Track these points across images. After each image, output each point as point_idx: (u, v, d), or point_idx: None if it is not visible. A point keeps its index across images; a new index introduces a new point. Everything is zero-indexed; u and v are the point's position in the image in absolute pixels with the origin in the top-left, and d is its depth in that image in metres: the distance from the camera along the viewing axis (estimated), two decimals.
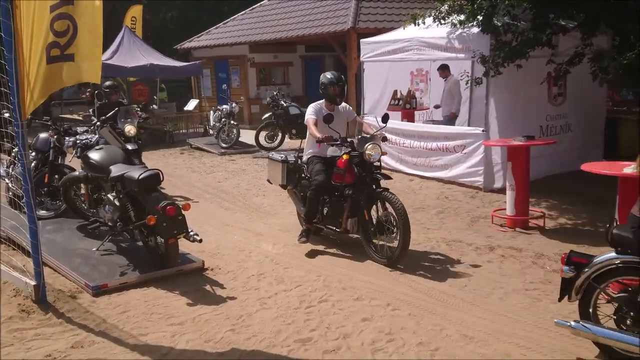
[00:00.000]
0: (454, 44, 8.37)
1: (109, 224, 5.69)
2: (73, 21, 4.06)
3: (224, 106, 13.41)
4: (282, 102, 12.10)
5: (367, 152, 5.40)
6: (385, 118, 5.77)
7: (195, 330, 4.16)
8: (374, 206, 5.51)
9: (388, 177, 5.61)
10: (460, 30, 8.23)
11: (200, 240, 5.22)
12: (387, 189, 5.45)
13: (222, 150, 12.83)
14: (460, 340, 3.86)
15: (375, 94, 10.81)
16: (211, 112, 14.65)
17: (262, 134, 12.25)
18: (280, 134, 12.21)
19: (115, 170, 5.49)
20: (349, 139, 5.65)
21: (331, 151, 5.88)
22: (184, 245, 5.55)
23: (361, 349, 3.81)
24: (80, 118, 15.10)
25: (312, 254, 5.82)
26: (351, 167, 5.51)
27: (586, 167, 4.83)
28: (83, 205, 6.43)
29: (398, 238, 5.23)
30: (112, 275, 5.11)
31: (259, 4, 19.27)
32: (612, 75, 7.52)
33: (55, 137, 6.57)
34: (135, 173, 5.19)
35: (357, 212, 5.57)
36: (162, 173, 5.29)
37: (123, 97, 15.45)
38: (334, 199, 5.77)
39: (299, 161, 6.22)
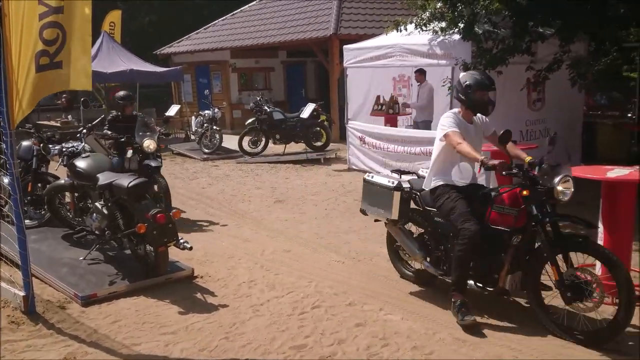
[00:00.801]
0: (436, 51, 8.51)
1: (96, 232, 5.63)
2: (62, 30, 4.04)
3: (206, 111, 13.38)
4: (266, 107, 12.12)
5: (559, 188, 3.97)
6: (505, 137, 4.34)
7: (189, 339, 4.16)
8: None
9: (591, 225, 4.08)
10: (441, 37, 8.36)
11: (191, 248, 5.21)
12: (585, 237, 4.10)
13: (205, 156, 12.79)
14: (454, 344, 3.93)
15: (358, 99, 10.91)
16: (193, 117, 14.60)
17: (246, 139, 12.25)
18: (263, 139, 12.23)
19: (103, 178, 5.45)
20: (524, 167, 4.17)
21: (459, 176, 4.45)
22: (172, 253, 5.51)
23: (357, 354, 3.84)
24: (58, 125, 14.91)
25: (302, 260, 5.85)
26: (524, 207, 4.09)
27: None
28: (68, 214, 6.36)
29: (618, 309, 3.73)
30: (101, 285, 5.06)
31: (239, 9, 19.26)
32: (589, 80, 7.74)
33: (41, 145, 6.49)
34: (125, 181, 5.16)
35: (519, 266, 4.19)
36: (151, 180, 5.27)
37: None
38: (486, 247, 4.21)
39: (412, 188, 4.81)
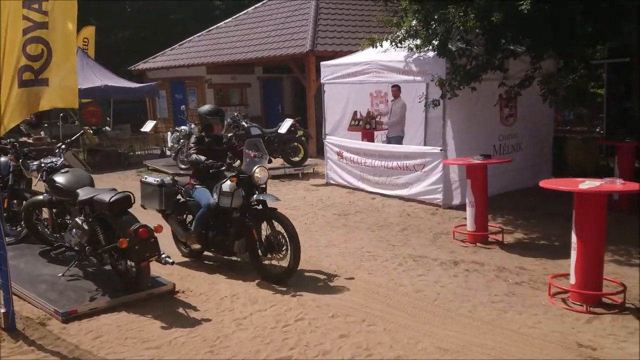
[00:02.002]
0: (412, 67, 8.70)
1: (76, 248, 5.58)
2: (48, 46, 4.05)
3: (183, 127, 13.35)
4: (243, 123, 12.16)
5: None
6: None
7: (173, 353, 4.15)
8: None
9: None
10: (417, 54, 8.56)
11: (173, 263, 5.22)
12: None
13: (181, 172, 12.71)
14: (436, 353, 4.01)
15: (336, 115, 11.06)
16: (169, 133, 14.54)
17: None
18: None
19: (83, 193, 5.42)
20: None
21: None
22: (153, 269, 5.50)
23: None
24: (31, 141, 14.69)
25: None
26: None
27: (544, 183, 5.11)
28: (46, 230, 6.29)
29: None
30: (81, 301, 5.02)
31: (215, 26, 19.34)
32: (559, 96, 8.01)
33: (20, 161, 6.42)
34: (106, 196, 5.15)
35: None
36: (133, 195, 5.27)
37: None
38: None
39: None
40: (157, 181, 6.12)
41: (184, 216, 6.31)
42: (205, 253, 6.35)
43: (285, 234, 5.43)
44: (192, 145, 6.01)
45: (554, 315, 4.66)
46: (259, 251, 5.63)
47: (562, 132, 11.66)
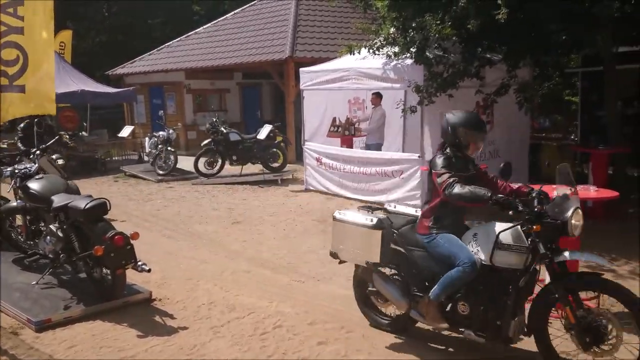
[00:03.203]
0: (390, 75, 8.76)
1: (50, 256, 5.49)
2: (23, 51, 3.99)
3: (161, 132, 13.25)
4: (222, 129, 12.11)
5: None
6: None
7: None
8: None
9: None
10: (395, 62, 8.63)
11: (149, 270, 5.15)
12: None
13: (159, 178, 12.61)
14: (419, 358, 4.02)
15: (315, 121, 11.09)
16: (146, 138, 14.41)
17: (202, 160, 12.17)
18: (220, 161, 12.19)
19: (58, 200, 5.34)
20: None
21: None
22: (129, 276, 5.42)
23: None
24: (5, 146, 14.42)
25: (262, 280, 5.86)
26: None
27: None
28: (19, 237, 6.17)
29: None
30: (55, 310, 4.94)
31: (194, 31, 19.25)
32: (535, 104, 8.15)
33: None
34: (81, 203, 5.07)
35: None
36: (109, 202, 5.21)
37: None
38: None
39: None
40: (372, 221, 4.18)
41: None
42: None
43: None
44: (442, 170, 3.90)
45: None
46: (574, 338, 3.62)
47: (537, 139, 11.86)
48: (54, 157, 6.40)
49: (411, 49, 8.14)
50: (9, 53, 3.98)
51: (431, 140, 8.61)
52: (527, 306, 3.81)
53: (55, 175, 6.25)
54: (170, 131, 13.11)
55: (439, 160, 3.93)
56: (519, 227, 3.67)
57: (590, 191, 4.84)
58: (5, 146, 14.44)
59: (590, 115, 11.20)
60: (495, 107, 9.14)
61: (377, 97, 10.40)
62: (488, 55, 8.09)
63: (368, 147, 10.57)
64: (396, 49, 8.44)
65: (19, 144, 13.03)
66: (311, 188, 10.63)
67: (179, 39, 19.15)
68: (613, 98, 8.90)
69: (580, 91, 11.71)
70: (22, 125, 6.41)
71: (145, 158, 14.25)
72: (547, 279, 3.75)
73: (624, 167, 9.22)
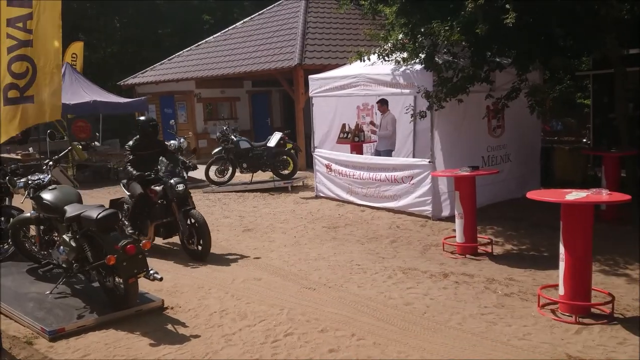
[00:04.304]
0: (399, 80, 8.76)
1: (64, 265, 5.54)
2: (32, 63, 4.06)
3: (172, 141, 13.29)
4: (232, 137, 12.16)
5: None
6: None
7: None
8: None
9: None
10: (404, 67, 8.63)
11: (161, 279, 5.17)
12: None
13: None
14: None
15: (324, 127, 11.12)
16: None
17: (213, 168, 12.23)
18: (230, 168, 12.24)
19: (71, 210, 5.39)
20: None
21: None
22: (141, 285, 5.46)
23: None
24: (19, 157, 14.59)
25: (273, 288, 5.86)
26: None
27: (531, 195, 5.13)
28: (33, 247, 6.24)
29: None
30: (69, 319, 4.98)
31: (204, 40, 19.40)
32: (546, 107, 8.09)
33: (6, 178, 6.37)
34: (93, 212, 5.12)
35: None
36: (120, 212, 5.25)
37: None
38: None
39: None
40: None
41: None
42: None
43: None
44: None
45: (543, 326, 4.67)
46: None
47: (550, 143, 11.77)
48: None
49: (420, 55, 8.14)
50: (19, 66, 4.06)
51: (441, 145, 8.59)
52: None
53: (67, 185, 6.31)
54: (182, 140, 13.16)
55: None
56: None
57: (602, 195, 4.79)
58: (19, 157, 14.61)
59: (601, 118, 11.10)
60: (506, 111, 9.08)
61: (383, 104, 10.39)
62: (497, 59, 8.07)
63: (378, 153, 10.57)
64: (405, 55, 8.44)
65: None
66: (321, 195, 10.64)
67: (189, 48, 19.32)
68: (624, 100, 8.82)
69: (592, 94, 11.61)
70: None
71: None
72: None
73: (636, 170, 9.11)
